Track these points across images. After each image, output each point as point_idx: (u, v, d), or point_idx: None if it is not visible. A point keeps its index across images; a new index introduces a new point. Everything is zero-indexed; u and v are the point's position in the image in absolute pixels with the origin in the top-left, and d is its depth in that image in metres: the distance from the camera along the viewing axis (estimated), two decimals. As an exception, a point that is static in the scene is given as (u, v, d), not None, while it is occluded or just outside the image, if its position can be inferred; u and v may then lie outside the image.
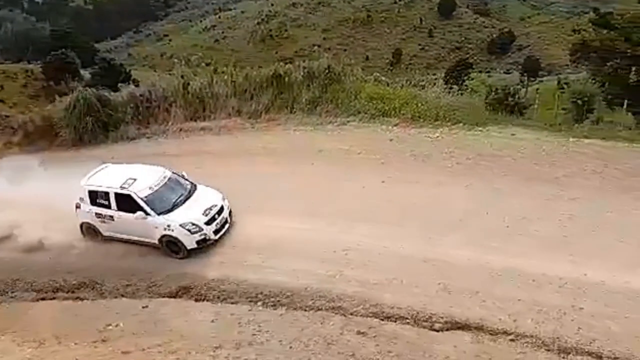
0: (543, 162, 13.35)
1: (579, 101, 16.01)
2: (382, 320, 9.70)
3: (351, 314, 9.87)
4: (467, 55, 59.41)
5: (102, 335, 9.81)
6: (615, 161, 13.04)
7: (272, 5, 73.39)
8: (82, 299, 11.40)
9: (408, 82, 20.16)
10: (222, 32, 70.90)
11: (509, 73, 53.71)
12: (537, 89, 28.61)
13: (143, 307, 10.66)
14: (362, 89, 17.04)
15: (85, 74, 30.56)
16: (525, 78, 44.69)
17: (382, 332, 9.40)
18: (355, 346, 9.09)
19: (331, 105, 16.50)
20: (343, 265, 10.90)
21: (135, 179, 12.14)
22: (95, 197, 12.31)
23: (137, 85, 20.58)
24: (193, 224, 11.71)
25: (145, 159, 13.63)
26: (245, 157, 15.07)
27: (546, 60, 56.21)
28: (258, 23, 70.43)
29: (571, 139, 14.14)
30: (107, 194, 12.15)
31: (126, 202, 11.92)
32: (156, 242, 11.92)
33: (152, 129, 17.36)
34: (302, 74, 17.29)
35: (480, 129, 14.93)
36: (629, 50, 18.73)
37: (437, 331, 9.43)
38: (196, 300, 10.84)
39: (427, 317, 9.64)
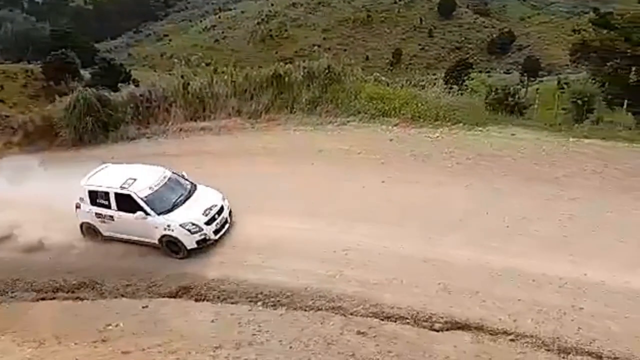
0: (543, 162, 13.35)
1: (579, 101, 16.01)
2: (382, 320, 9.70)
3: (351, 314, 9.87)
4: (467, 55, 59.42)
5: (102, 335, 9.81)
6: (615, 161, 13.04)
7: (272, 5, 73.40)
8: (82, 299, 11.40)
9: (408, 82, 20.18)
10: (222, 32, 70.91)
11: (509, 73, 53.71)
12: (537, 89, 28.61)
13: (143, 307, 10.66)
14: (362, 89, 17.04)
15: (85, 74, 30.56)
16: (525, 78, 44.69)
17: (382, 332, 9.40)
18: (355, 346, 9.09)
19: (331, 105, 16.50)
20: (343, 265, 10.89)
21: (135, 179, 12.14)
22: (95, 197, 12.30)
23: (137, 85, 20.59)
24: (193, 224, 11.71)
25: (145, 159, 13.63)
26: (245, 157, 15.07)
27: (546, 60, 56.22)
28: (258, 23, 70.44)
29: (571, 139, 14.14)
30: (107, 194, 12.15)
31: (126, 202, 11.92)
32: (156, 242, 11.92)
33: (152, 129, 17.36)
34: (302, 74, 17.29)
35: (480, 129, 14.93)
36: (629, 50, 18.73)
37: (437, 331, 9.43)
38: (196, 300, 10.84)
39: (427, 317, 9.64)
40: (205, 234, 11.79)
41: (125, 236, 12.25)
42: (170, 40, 72.41)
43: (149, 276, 11.59)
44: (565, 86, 27.36)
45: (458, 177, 13.12)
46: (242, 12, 75.41)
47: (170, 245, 11.85)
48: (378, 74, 21.92)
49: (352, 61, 20.32)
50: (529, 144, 14.06)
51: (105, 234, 12.47)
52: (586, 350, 8.79)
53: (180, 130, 17.11)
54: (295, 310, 10.13)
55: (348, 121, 16.00)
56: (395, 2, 70.18)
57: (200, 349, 9.09)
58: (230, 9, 78.49)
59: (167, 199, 12.04)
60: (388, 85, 18.85)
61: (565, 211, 11.66)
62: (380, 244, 11.22)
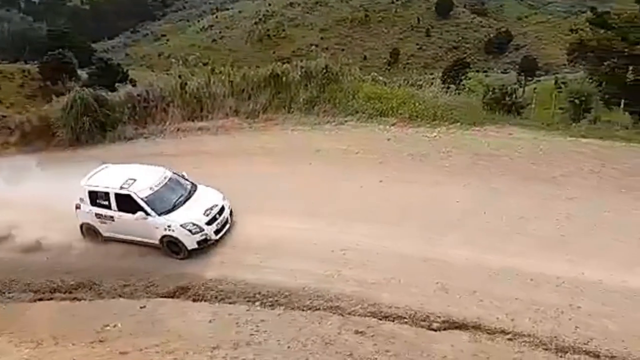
0: (540, 162, 13.35)
1: (577, 101, 16.02)
2: (380, 319, 9.69)
3: (349, 314, 9.87)
4: (465, 55, 59.60)
5: (100, 335, 9.79)
6: (612, 161, 13.05)
7: (270, 5, 73.45)
8: (79, 300, 11.37)
9: (405, 82, 20.12)
10: (220, 32, 70.96)
11: (506, 72, 53.89)
12: (535, 89, 28.68)
13: (141, 308, 10.63)
14: (360, 88, 17.03)
15: (83, 74, 30.52)
16: (523, 77, 44.83)
17: (380, 332, 9.40)
18: (353, 346, 9.09)
19: (329, 105, 16.49)
20: (341, 265, 10.89)
21: (135, 179, 12.08)
22: (95, 198, 12.24)
23: (134, 85, 20.59)
24: (194, 224, 11.65)
25: (143, 159, 13.61)
26: (243, 157, 15.05)
27: (543, 59, 56.40)
28: (255, 23, 70.49)
29: (568, 139, 14.15)
30: (107, 194, 12.09)
31: (126, 203, 11.86)
32: (157, 242, 11.87)
33: (150, 129, 17.33)
34: (299, 73, 17.27)
35: (477, 128, 14.92)
36: (626, 50, 18.77)
37: (435, 330, 9.43)
38: (194, 300, 10.82)
39: (424, 316, 9.64)
40: (206, 234, 11.75)
41: (125, 237, 12.19)
42: (167, 40, 72.44)
43: (147, 276, 11.56)
44: (562, 86, 27.43)
45: (456, 177, 13.13)
46: (240, 11, 75.47)
47: (171, 246, 11.80)
48: (375, 74, 21.91)
49: (350, 61, 20.30)
50: (527, 143, 14.07)
51: (105, 234, 12.41)
52: (584, 349, 8.80)
53: (178, 130, 17.07)
54: (293, 310, 10.12)
55: (346, 121, 15.99)
56: (393, 2, 70.32)
57: (198, 349, 9.09)
58: (227, 9, 78.56)
59: (168, 199, 11.99)
60: (385, 84, 18.82)
61: (563, 211, 11.67)
62: (378, 244, 11.22)
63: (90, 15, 72.86)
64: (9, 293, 11.95)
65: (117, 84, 20.36)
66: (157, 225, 11.70)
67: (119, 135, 17.28)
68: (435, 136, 14.82)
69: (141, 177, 12.20)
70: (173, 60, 22.13)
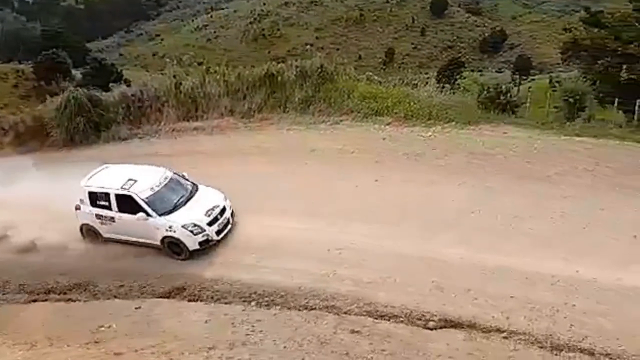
0: (535, 161, 13.39)
1: (571, 99, 16.07)
2: (376, 319, 9.70)
3: (345, 313, 9.87)
4: (459, 54, 59.73)
5: (95, 336, 9.74)
6: (606, 159, 13.11)
7: (265, 4, 73.35)
8: (74, 301, 11.32)
9: (401, 81, 20.15)
10: (215, 32, 70.81)
11: (501, 72, 54.08)
12: (529, 88, 28.75)
13: (136, 308, 10.59)
14: (355, 88, 17.03)
15: (77, 73, 30.46)
16: (517, 76, 44.98)
17: (375, 331, 9.40)
18: (349, 345, 9.09)
19: (324, 104, 16.48)
20: (337, 265, 10.89)
21: (136, 180, 11.99)
22: (96, 199, 12.15)
23: (128, 85, 20.53)
24: (195, 225, 11.59)
25: (138, 160, 13.56)
26: (238, 157, 15.03)
27: (538, 58, 56.62)
28: (250, 22, 70.37)
29: (563, 137, 14.20)
30: (107, 195, 12.00)
31: (127, 203, 11.78)
32: (158, 243, 11.79)
33: (144, 129, 17.28)
34: (294, 73, 17.25)
35: (472, 127, 14.96)
36: (619, 49, 18.85)
37: (431, 329, 9.44)
38: (190, 300, 10.79)
39: (420, 315, 9.65)
40: (208, 235, 11.68)
41: (126, 238, 12.10)
42: (162, 39, 72.23)
43: (142, 277, 11.51)
44: (556, 84, 27.57)
45: (451, 176, 13.15)
46: (235, 11, 75.34)
47: (172, 247, 11.72)
48: (371, 73, 21.93)
49: (345, 60, 20.34)
50: (521, 142, 14.11)
51: (106, 235, 12.32)
52: (578, 347, 8.83)
53: (173, 130, 17.03)
54: (289, 310, 10.12)
55: (341, 120, 16.00)
56: (388, 1, 70.40)
57: (194, 350, 9.06)
58: (222, 8, 78.41)
59: (169, 200, 11.92)
60: (381, 84, 18.84)
61: (558, 209, 11.71)
62: (374, 243, 11.22)
63: (84, 15, 72.56)
64: (3, 294, 11.89)
65: (111, 84, 20.30)
66: (158, 226, 11.63)
67: (113, 135, 17.23)
68: (430, 135, 14.84)
69: (142, 177, 12.11)
70: (167, 60, 22.17)
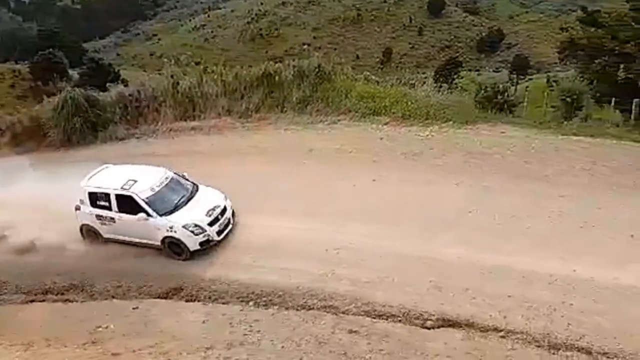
0: (532, 160, 13.41)
1: (568, 99, 16.09)
2: (374, 318, 9.70)
3: (343, 313, 9.87)
4: (457, 54, 59.86)
5: (92, 337, 9.74)
6: (603, 158, 13.13)
7: (262, 4, 73.35)
8: (72, 301, 11.29)
9: (398, 81, 20.14)
10: (212, 31, 70.79)
11: (498, 71, 54.20)
12: (526, 87, 28.83)
13: (133, 309, 10.58)
14: (353, 87, 17.02)
15: (74, 74, 30.42)
16: (515, 76, 45.08)
17: (373, 331, 9.41)
18: (347, 345, 9.09)
19: (322, 104, 16.47)
20: (335, 264, 10.88)
21: (136, 180, 11.93)
22: (96, 199, 12.09)
23: (126, 85, 20.53)
24: (196, 225, 11.55)
25: (135, 159, 13.54)
26: (235, 157, 15.01)
27: (535, 58, 56.77)
28: (248, 22, 70.37)
29: (560, 137, 14.22)
30: (107, 195, 11.95)
31: (127, 204, 11.72)
32: (158, 244, 11.75)
33: (142, 129, 17.24)
34: (292, 73, 17.23)
35: (470, 127, 14.96)
36: (616, 48, 18.91)
37: (429, 329, 9.44)
38: (187, 300, 10.77)
39: (418, 315, 9.66)
40: (209, 235, 11.65)
41: (126, 238, 12.05)
42: (159, 39, 72.17)
43: (139, 277, 11.48)
44: (554, 84, 27.58)
45: (448, 176, 13.15)
46: (232, 11, 75.32)
47: (172, 247, 11.67)
48: (368, 73, 21.95)
49: (343, 60, 20.37)
50: (519, 141, 14.13)
51: (106, 236, 12.26)
52: (576, 346, 8.85)
53: (170, 130, 16.99)
54: (287, 310, 10.11)
55: (339, 120, 15.99)
56: (385, 1, 70.48)
57: (192, 350, 9.06)
58: (219, 8, 78.37)
59: (169, 200, 11.87)
60: (378, 84, 18.83)
61: (555, 208, 11.73)
62: (371, 243, 11.22)
63: (81, 15, 72.44)
64: (1, 295, 11.84)
65: (108, 84, 20.32)
66: (159, 227, 11.59)
67: (110, 135, 17.18)
68: (428, 135, 14.85)
69: (142, 177, 12.06)
70: (165, 59, 22.10)
